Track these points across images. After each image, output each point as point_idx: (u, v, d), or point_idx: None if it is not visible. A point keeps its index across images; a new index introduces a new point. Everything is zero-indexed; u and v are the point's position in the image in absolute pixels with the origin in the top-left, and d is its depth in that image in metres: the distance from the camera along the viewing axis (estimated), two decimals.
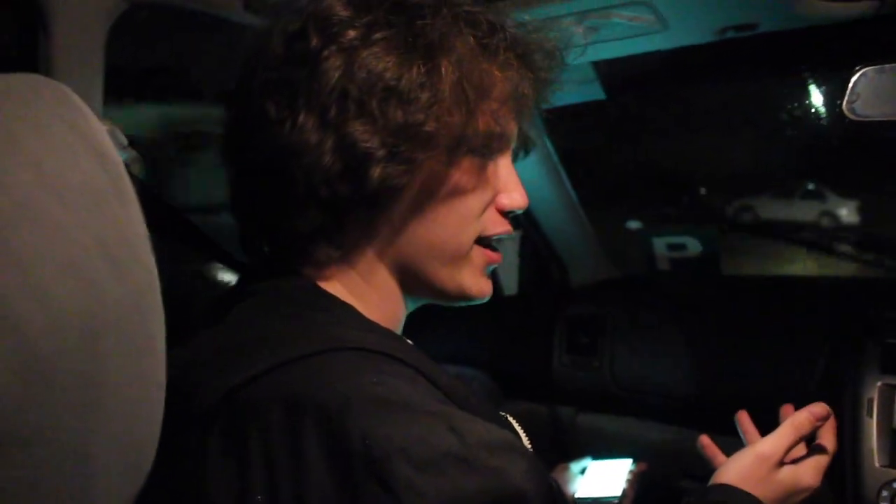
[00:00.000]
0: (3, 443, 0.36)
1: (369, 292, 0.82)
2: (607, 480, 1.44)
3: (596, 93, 1.43)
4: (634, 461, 1.48)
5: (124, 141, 0.85)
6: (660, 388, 1.68)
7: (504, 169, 0.85)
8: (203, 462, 0.67)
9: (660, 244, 1.81)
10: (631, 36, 1.16)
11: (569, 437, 1.79)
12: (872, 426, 1.31)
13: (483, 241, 0.85)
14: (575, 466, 1.47)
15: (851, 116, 0.96)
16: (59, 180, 0.40)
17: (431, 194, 0.79)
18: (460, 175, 0.80)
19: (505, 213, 0.86)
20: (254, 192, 0.80)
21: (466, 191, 0.81)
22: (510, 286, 1.95)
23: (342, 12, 0.75)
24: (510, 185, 0.86)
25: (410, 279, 0.83)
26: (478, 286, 0.86)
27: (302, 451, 0.62)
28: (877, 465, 1.28)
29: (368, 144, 0.73)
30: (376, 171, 0.74)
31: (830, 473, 1.29)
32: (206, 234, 0.92)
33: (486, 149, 0.82)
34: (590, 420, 1.78)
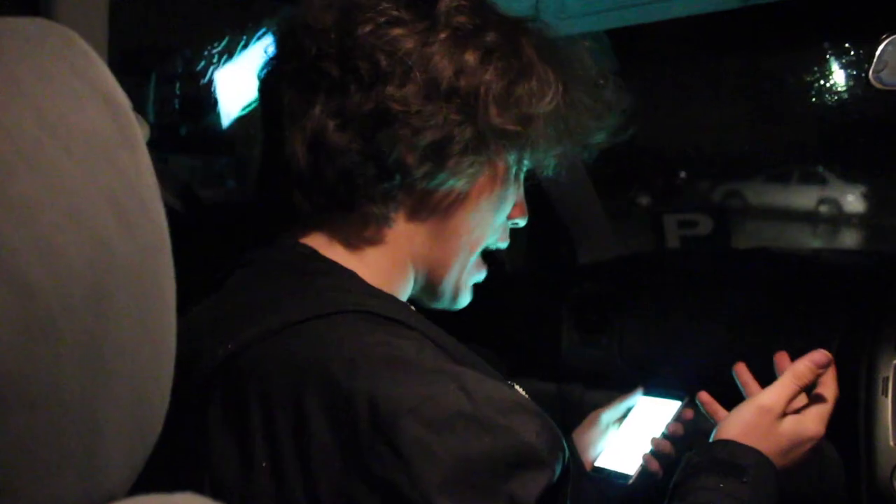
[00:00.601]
0: (8, 404, 0.34)
1: (373, 262, 0.80)
2: (646, 428, 1.32)
3: (611, 64, 1.41)
4: (684, 402, 1.34)
5: (129, 104, 0.83)
6: (669, 365, 1.66)
7: (516, 182, 0.88)
8: (204, 430, 0.66)
9: (670, 221, 1.78)
10: (649, 2, 1.14)
11: (577, 414, 1.78)
12: (887, 405, 1.29)
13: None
14: (607, 416, 1.34)
15: (878, 85, 0.94)
16: (64, 127, 0.38)
17: (481, 195, 0.82)
18: (509, 183, 0.85)
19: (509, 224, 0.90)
20: (335, 138, 0.76)
21: (505, 199, 0.85)
22: (518, 263, 1.93)
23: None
24: (519, 200, 0.90)
25: (421, 269, 0.84)
26: (465, 292, 0.89)
27: (304, 414, 0.61)
28: (891, 443, 1.27)
29: (456, 130, 0.75)
30: (452, 159, 0.75)
31: (844, 451, 1.28)
32: (201, 200, 0.90)
33: (538, 164, 0.87)
34: (598, 397, 1.75)
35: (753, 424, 0.97)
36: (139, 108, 0.86)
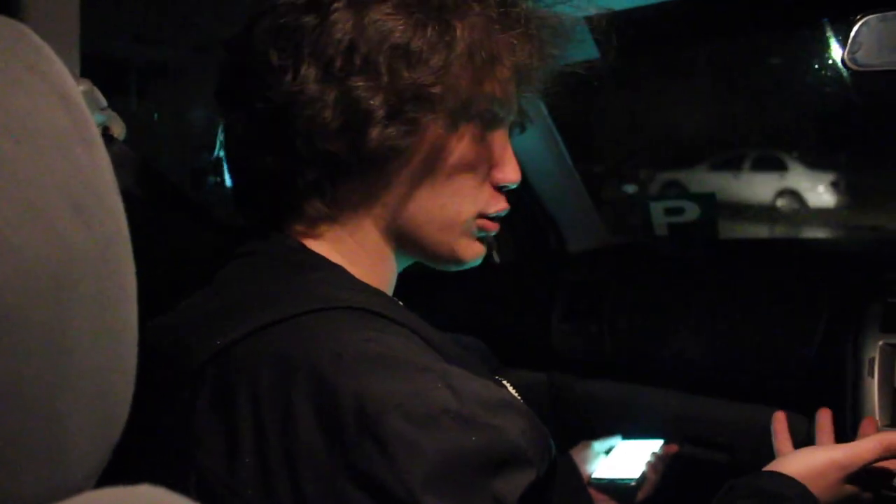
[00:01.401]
0: None
1: (359, 253, 0.80)
2: (630, 461, 1.38)
3: (589, 51, 1.40)
4: (665, 441, 1.43)
5: (103, 102, 0.83)
6: (659, 354, 1.67)
7: (500, 142, 0.85)
8: (191, 422, 0.66)
9: (657, 209, 1.78)
10: None
11: (568, 403, 1.78)
12: (874, 386, 1.30)
13: (479, 217, 0.84)
14: (598, 446, 1.42)
15: (853, 66, 0.94)
16: (17, 122, 0.38)
17: (430, 160, 0.78)
18: (460, 143, 0.80)
19: (500, 189, 0.85)
20: (250, 143, 0.78)
21: (465, 160, 0.80)
22: (507, 253, 1.94)
23: None
24: (505, 159, 0.85)
25: (403, 241, 0.82)
26: (471, 249, 0.85)
27: (291, 410, 0.61)
28: (878, 425, 1.27)
29: (371, 102, 0.72)
30: (375, 131, 0.73)
31: (832, 433, 1.29)
32: (188, 196, 0.90)
33: (489, 118, 0.81)
34: (589, 386, 1.76)
35: (820, 473, 0.95)
36: (115, 106, 0.87)
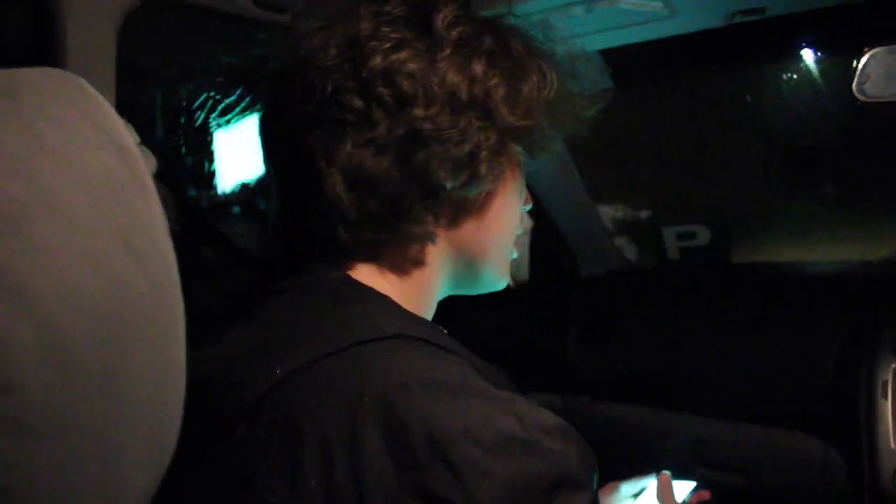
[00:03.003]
0: (32, 431, 0.36)
1: (406, 284, 0.83)
2: None
3: (605, 82, 1.43)
4: (698, 486, 1.39)
5: (137, 139, 0.85)
6: (674, 377, 1.68)
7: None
8: (251, 453, 0.68)
9: (669, 233, 1.81)
10: (639, 23, 1.16)
11: (583, 427, 1.79)
12: (887, 408, 1.31)
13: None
14: (626, 488, 1.37)
15: (861, 98, 0.96)
16: (80, 172, 0.41)
17: (507, 193, 0.85)
18: (522, 173, 0.88)
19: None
20: (365, 161, 0.77)
21: (521, 190, 0.89)
22: (521, 277, 1.95)
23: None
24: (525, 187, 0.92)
25: (458, 269, 0.86)
26: (507, 273, 0.92)
27: (359, 435, 0.63)
28: (892, 446, 1.29)
29: (481, 139, 0.77)
30: (483, 168, 0.78)
31: (846, 454, 1.30)
32: (219, 229, 0.92)
33: (540, 149, 0.88)
34: (605, 409, 1.78)
35: None
36: (146, 142, 0.89)
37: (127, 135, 0.46)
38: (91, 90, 0.46)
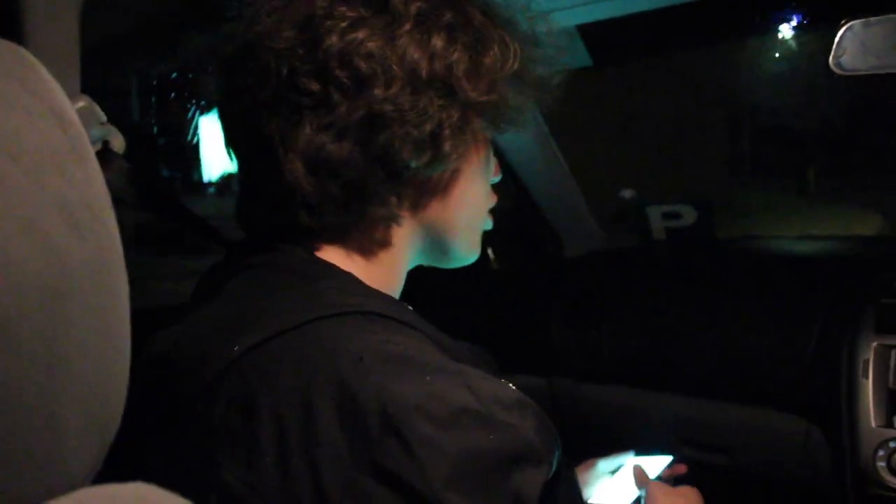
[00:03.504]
0: None
1: (372, 261, 0.82)
2: (629, 484, 1.35)
3: (583, 59, 1.42)
4: (674, 460, 1.40)
5: (102, 117, 0.84)
6: (658, 358, 1.68)
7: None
8: (210, 428, 0.67)
9: (655, 213, 1.80)
10: None
11: (568, 409, 1.79)
12: (868, 387, 1.31)
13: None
14: (604, 465, 1.39)
15: (838, 71, 0.95)
16: (17, 142, 0.40)
17: (472, 168, 0.84)
18: (488, 147, 0.87)
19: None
20: (324, 146, 0.75)
21: (488, 163, 0.88)
22: (504, 259, 1.95)
23: None
24: (494, 160, 0.92)
25: (433, 245, 0.86)
26: (477, 247, 0.91)
27: (312, 410, 0.63)
28: (873, 425, 1.29)
29: (444, 117, 0.76)
30: (448, 143, 0.77)
31: (828, 433, 1.30)
32: (188, 209, 0.91)
33: (506, 123, 0.86)
34: (589, 391, 1.78)
35: None
36: (114, 120, 0.88)
37: (69, 106, 0.45)
38: (32, 59, 0.45)
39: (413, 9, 0.76)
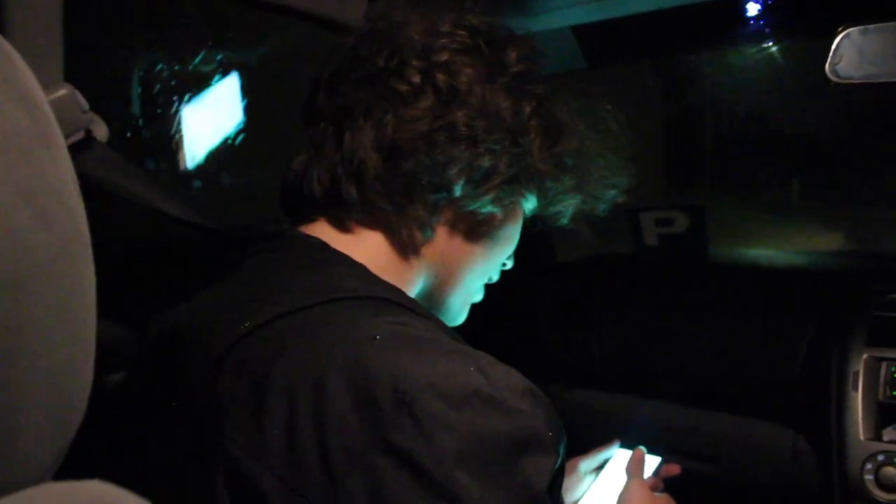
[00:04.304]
0: None
1: (387, 265, 0.83)
2: (618, 480, 1.31)
3: (577, 62, 1.41)
4: (664, 460, 1.36)
5: (85, 105, 0.83)
6: (648, 364, 1.67)
7: None
8: (217, 402, 0.67)
9: (647, 219, 1.79)
10: None
11: (559, 414, 1.78)
12: (857, 399, 1.30)
13: None
14: (585, 465, 1.36)
15: (834, 79, 0.94)
16: None
17: (506, 226, 0.88)
18: (520, 221, 0.92)
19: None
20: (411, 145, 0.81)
21: (514, 236, 0.92)
22: None
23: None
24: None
25: (428, 283, 0.88)
26: (463, 313, 0.95)
27: (324, 384, 0.62)
28: (861, 438, 1.28)
29: (501, 162, 0.82)
30: (492, 190, 0.82)
31: (816, 445, 1.28)
32: (173, 199, 0.90)
33: (550, 202, 0.93)
34: (577, 396, 1.76)
35: None
36: (97, 108, 0.87)
37: (39, 92, 0.44)
38: (4, 44, 0.43)
39: (519, 67, 0.84)
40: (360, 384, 0.62)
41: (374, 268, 0.80)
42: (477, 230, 0.86)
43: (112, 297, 0.56)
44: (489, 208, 0.83)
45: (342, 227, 0.83)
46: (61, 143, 0.43)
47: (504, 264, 0.96)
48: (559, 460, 0.68)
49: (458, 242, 0.86)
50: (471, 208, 0.83)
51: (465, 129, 0.79)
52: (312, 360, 0.64)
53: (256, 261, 0.80)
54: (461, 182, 0.81)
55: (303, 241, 0.81)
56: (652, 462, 1.33)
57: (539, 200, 0.91)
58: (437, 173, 0.80)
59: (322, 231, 0.83)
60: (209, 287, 0.79)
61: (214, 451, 0.65)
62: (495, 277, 0.96)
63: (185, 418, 0.71)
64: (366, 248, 0.82)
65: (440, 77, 0.80)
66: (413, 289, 0.86)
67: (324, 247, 0.80)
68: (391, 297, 0.74)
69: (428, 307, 0.88)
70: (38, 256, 0.39)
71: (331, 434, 0.61)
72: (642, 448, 1.28)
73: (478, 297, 0.96)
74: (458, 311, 0.93)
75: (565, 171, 0.88)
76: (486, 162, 0.80)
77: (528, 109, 0.84)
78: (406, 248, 0.84)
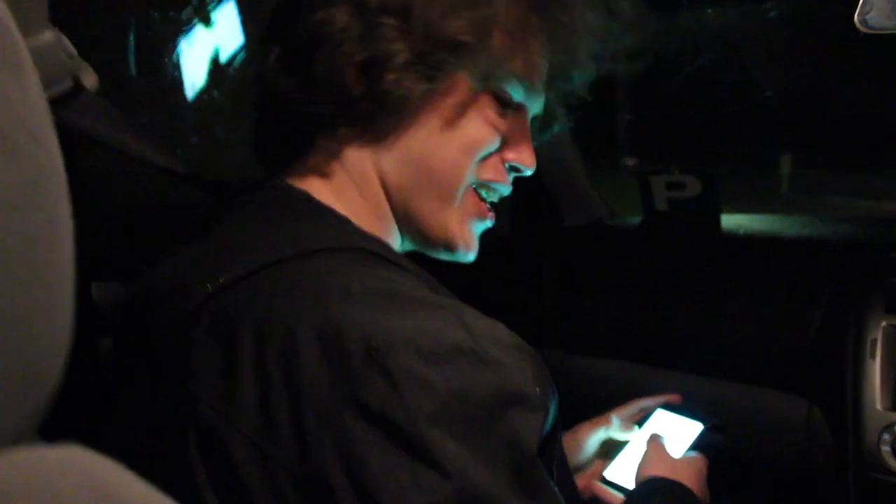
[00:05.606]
0: None
1: (364, 207, 0.79)
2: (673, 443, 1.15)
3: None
4: (706, 426, 1.18)
5: (72, 50, 0.78)
6: (655, 333, 1.63)
7: (521, 127, 0.84)
8: (188, 359, 0.64)
9: (658, 183, 1.74)
10: None
11: (558, 380, 1.75)
12: (875, 368, 1.26)
13: (475, 189, 0.83)
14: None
15: (863, 29, 0.89)
16: None
17: (444, 117, 0.78)
18: (478, 108, 0.79)
19: (508, 169, 0.85)
20: (276, 74, 0.78)
21: (478, 125, 0.79)
22: (500, 226, 1.89)
23: None
24: (522, 143, 0.84)
25: (401, 209, 0.81)
26: (462, 235, 0.83)
27: (294, 341, 0.60)
28: (879, 407, 1.24)
29: (396, 44, 0.73)
30: (393, 74, 0.73)
31: (831, 414, 1.25)
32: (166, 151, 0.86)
33: (513, 92, 0.81)
34: (582, 363, 1.73)
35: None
36: (85, 54, 0.82)
37: (8, 18, 0.39)
38: None
39: None
40: (331, 342, 0.59)
41: (354, 218, 0.77)
42: (399, 133, 0.78)
43: (106, 255, 0.52)
44: (395, 102, 0.75)
45: (317, 174, 0.79)
46: (29, 67, 0.39)
47: (517, 167, 0.85)
48: (549, 418, 0.65)
49: (391, 155, 0.78)
50: (375, 108, 0.76)
51: (326, 30, 0.74)
52: (282, 318, 0.61)
53: (238, 212, 0.77)
54: (345, 86, 0.74)
55: (287, 192, 0.78)
56: (693, 427, 1.20)
57: (479, 72, 0.77)
58: (317, 89, 0.75)
59: (303, 181, 0.79)
60: (189, 240, 0.76)
61: (186, 412, 0.63)
62: (503, 189, 0.86)
63: (157, 378, 0.68)
64: (341, 196, 0.78)
65: None
66: (391, 234, 0.82)
67: (307, 198, 0.77)
68: (372, 249, 0.70)
69: (424, 247, 0.85)
70: (5, 196, 0.35)
71: (301, 394, 0.58)
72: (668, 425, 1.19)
73: (475, 220, 0.85)
74: (448, 241, 0.83)
75: (489, 29, 0.76)
76: (361, 54, 0.73)
77: None
78: (364, 187, 0.79)
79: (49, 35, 0.76)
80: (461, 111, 0.78)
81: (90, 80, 0.80)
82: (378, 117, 0.76)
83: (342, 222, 0.75)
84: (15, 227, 0.35)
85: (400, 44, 0.72)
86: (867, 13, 0.89)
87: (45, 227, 0.37)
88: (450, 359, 0.59)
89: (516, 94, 0.82)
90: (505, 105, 0.81)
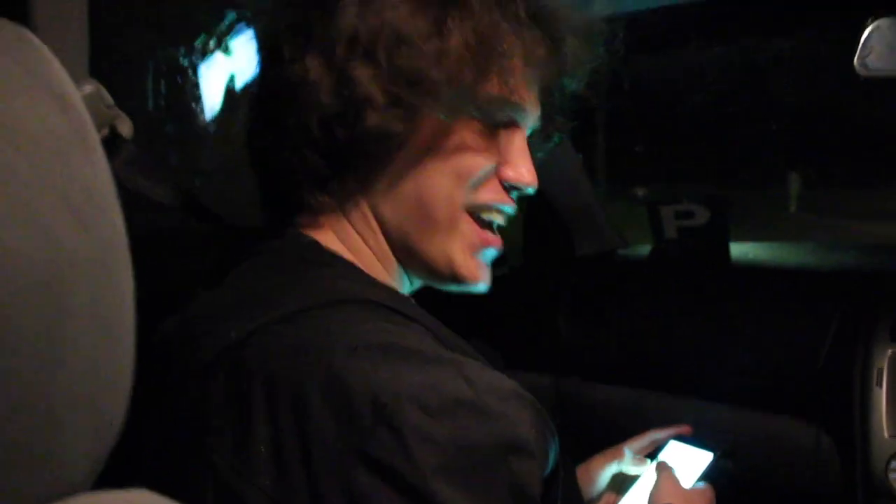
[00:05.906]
0: None
1: (368, 252, 0.81)
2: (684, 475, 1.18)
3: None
4: (716, 456, 1.21)
5: (110, 100, 0.82)
6: (667, 360, 1.66)
7: (516, 144, 0.82)
8: (206, 414, 0.67)
9: (667, 212, 1.77)
10: None
11: (574, 407, 1.78)
12: (882, 396, 1.29)
13: (476, 215, 0.81)
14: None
15: (863, 72, 0.93)
16: (17, 128, 0.38)
17: (429, 150, 0.77)
18: (462, 135, 0.78)
19: (508, 189, 0.83)
20: (262, 135, 0.80)
21: (465, 152, 0.78)
22: (514, 256, 1.92)
23: None
24: (519, 160, 0.82)
25: (403, 247, 0.81)
26: (467, 266, 0.81)
27: (304, 399, 0.62)
28: (886, 435, 1.26)
29: (369, 87, 0.72)
30: (373, 116, 0.73)
31: (839, 442, 1.27)
32: (195, 197, 0.89)
33: (494, 114, 0.80)
34: (595, 391, 1.76)
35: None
36: (121, 104, 0.86)
37: (74, 90, 0.43)
38: (35, 41, 0.43)
39: None
40: (338, 399, 0.61)
41: (360, 263, 0.79)
42: (388, 172, 0.77)
43: (149, 303, 0.56)
44: (376, 145, 0.75)
45: (324, 222, 0.80)
46: (98, 145, 0.43)
47: (512, 190, 0.83)
48: (550, 462, 0.67)
49: (387, 196, 0.78)
50: (361, 142, 0.75)
51: (297, 78, 0.74)
52: (293, 375, 0.63)
53: (251, 262, 0.78)
54: (320, 139, 0.74)
55: (295, 240, 0.79)
56: (703, 457, 1.22)
57: (449, 101, 0.75)
58: (308, 144, 0.75)
59: (313, 229, 0.80)
60: (206, 290, 0.78)
61: (203, 463, 0.65)
62: (507, 209, 0.83)
63: (173, 425, 0.71)
64: (345, 242, 0.80)
65: (266, 51, 0.80)
66: (396, 274, 0.83)
67: (315, 246, 0.78)
68: (375, 299, 0.72)
69: (431, 280, 0.84)
70: (76, 262, 0.39)
71: (313, 451, 0.60)
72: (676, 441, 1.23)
73: (479, 248, 0.82)
74: (452, 271, 0.81)
75: (444, 58, 0.73)
76: (335, 106, 0.73)
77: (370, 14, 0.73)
78: (367, 231, 0.80)
79: (90, 88, 0.80)
80: (444, 142, 0.77)
81: (126, 128, 0.84)
82: (365, 162, 0.77)
83: (349, 269, 0.77)
84: (86, 295, 0.39)
85: (371, 86, 0.72)
86: (866, 56, 0.92)
87: (113, 293, 0.41)
88: (450, 412, 0.61)
89: (500, 114, 0.80)
90: (492, 125, 0.80)
